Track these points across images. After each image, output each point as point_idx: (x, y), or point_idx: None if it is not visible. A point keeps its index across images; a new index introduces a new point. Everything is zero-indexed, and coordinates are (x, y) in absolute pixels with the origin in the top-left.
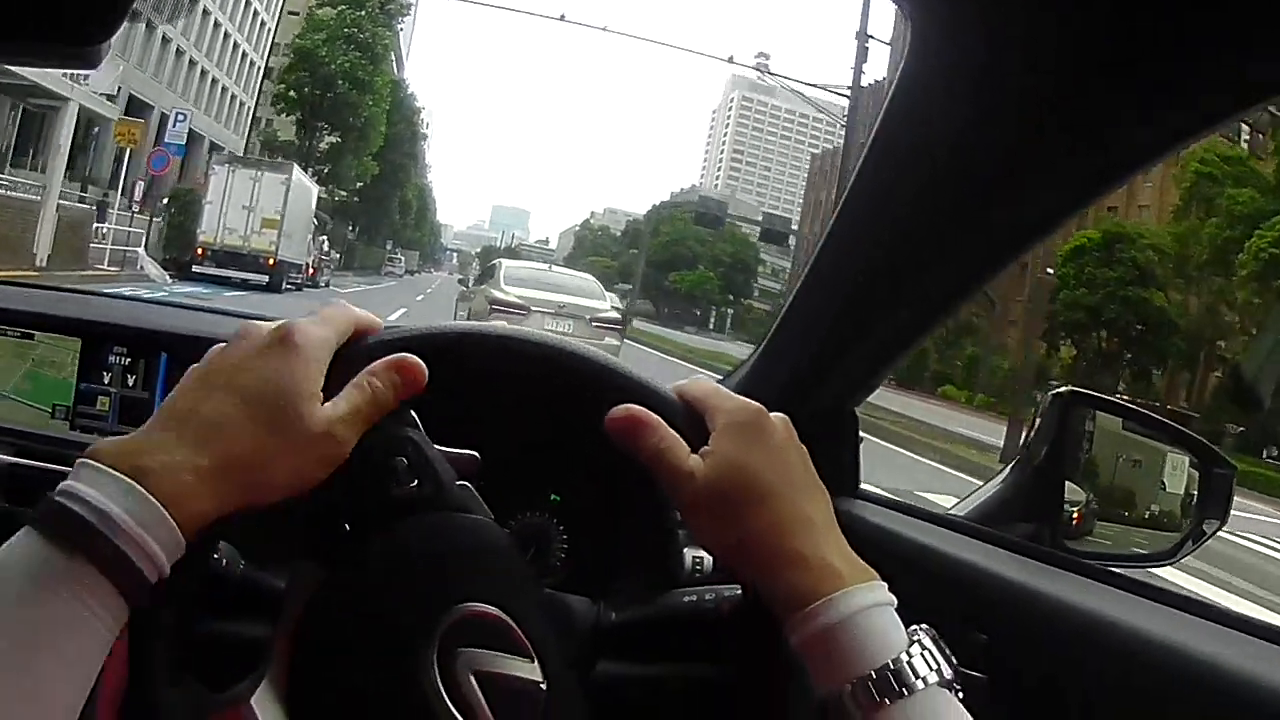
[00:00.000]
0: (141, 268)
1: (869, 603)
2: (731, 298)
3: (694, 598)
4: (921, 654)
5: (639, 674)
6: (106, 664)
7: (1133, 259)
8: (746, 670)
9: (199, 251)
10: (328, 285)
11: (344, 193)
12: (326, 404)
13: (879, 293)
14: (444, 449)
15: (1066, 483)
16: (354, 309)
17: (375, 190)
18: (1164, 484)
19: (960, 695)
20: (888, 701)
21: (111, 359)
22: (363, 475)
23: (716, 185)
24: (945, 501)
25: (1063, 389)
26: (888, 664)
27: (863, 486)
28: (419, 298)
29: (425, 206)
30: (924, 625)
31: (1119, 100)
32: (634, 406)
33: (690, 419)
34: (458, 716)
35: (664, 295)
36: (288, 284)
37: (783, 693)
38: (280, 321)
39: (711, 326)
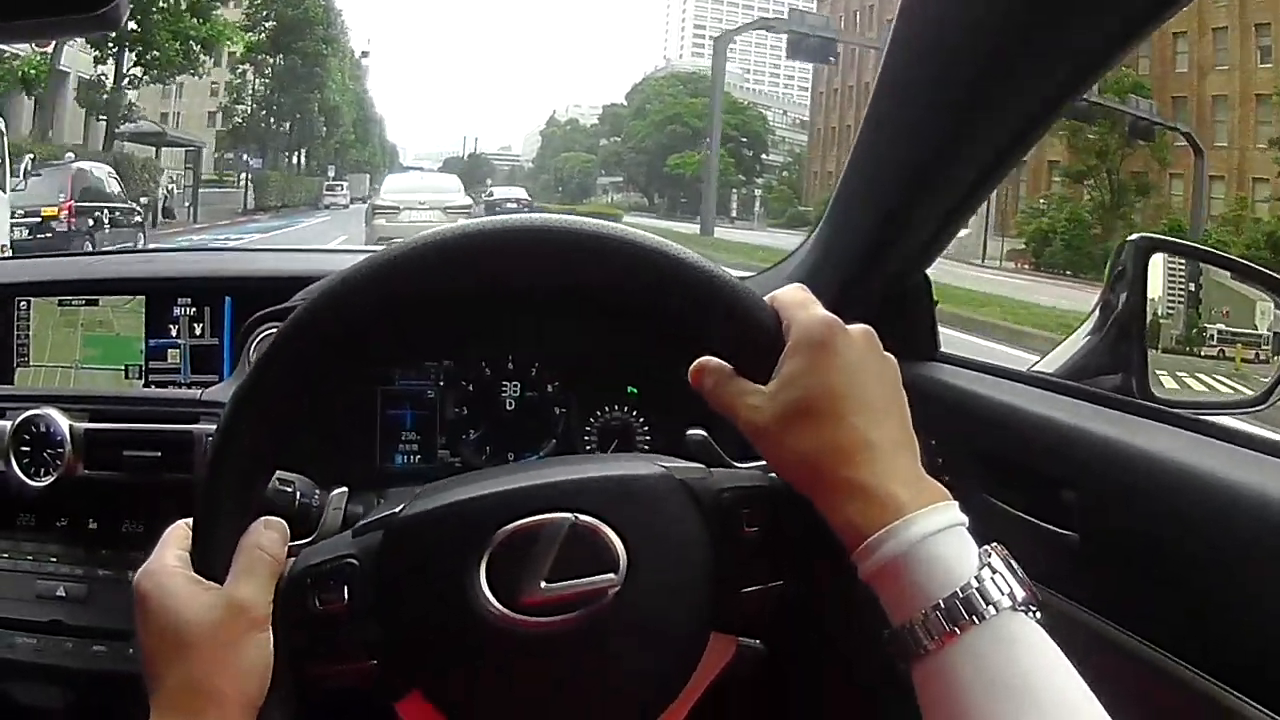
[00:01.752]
0: None
1: (934, 528)
2: (743, 178)
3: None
4: (993, 577)
5: None
6: None
7: None
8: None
9: None
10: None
11: (241, 107)
12: (220, 586)
13: (935, 150)
14: (313, 546)
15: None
16: (182, 526)
17: (287, 97)
18: (1252, 325)
19: (1037, 615)
20: (958, 630)
21: (176, 311)
22: (308, 635)
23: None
24: None
25: (1135, 236)
26: (956, 591)
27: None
28: (337, 241)
29: (367, 117)
30: (995, 545)
31: None
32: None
33: (779, 330)
34: (544, 621)
35: (663, 183)
36: None
37: (835, 584)
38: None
39: (734, 215)
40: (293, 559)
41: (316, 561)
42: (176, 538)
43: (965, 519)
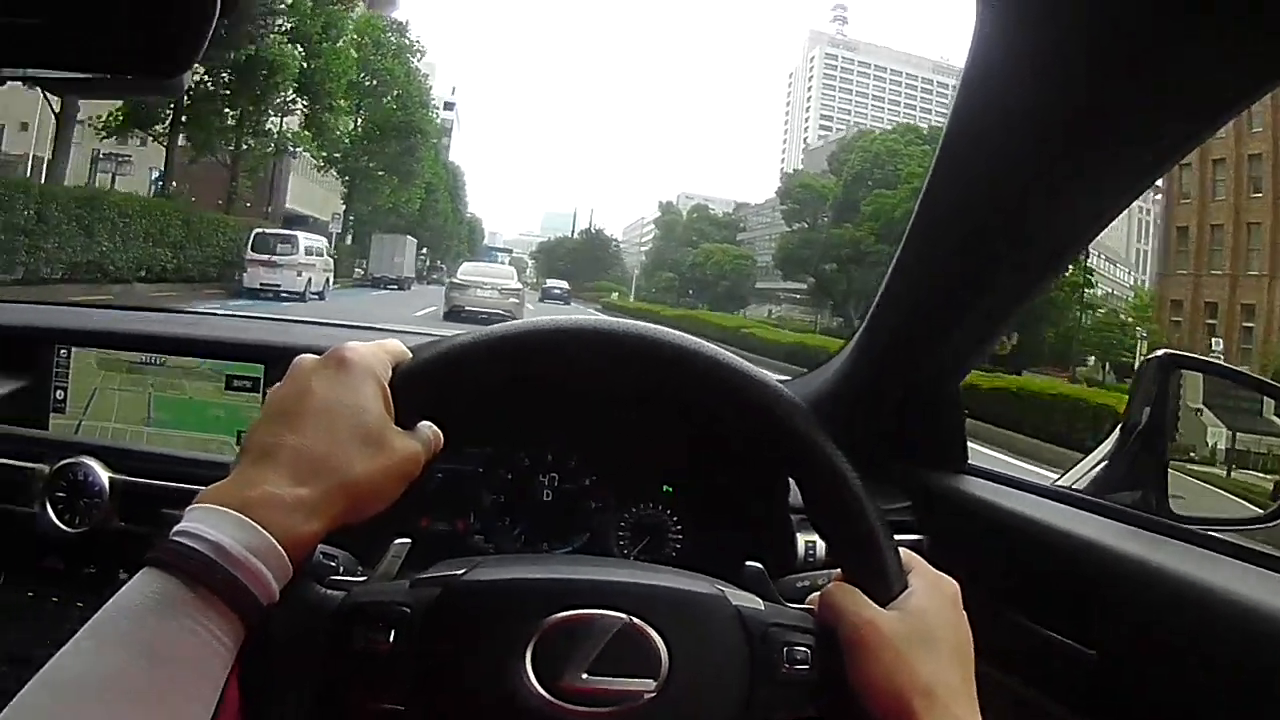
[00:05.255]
0: None
1: None
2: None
3: (806, 583)
4: None
5: None
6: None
7: None
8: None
9: None
10: None
11: None
12: (405, 431)
13: (974, 268)
14: (368, 586)
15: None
16: (400, 344)
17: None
18: (1269, 442)
19: None
20: None
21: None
22: (346, 667)
23: (803, 158)
24: None
25: (1159, 352)
26: None
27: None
28: None
29: (420, 130)
30: None
31: (1193, 57)
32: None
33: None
34: (577, 710)
35: None
36: None
37: None
38: (332, 348)
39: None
40: (345, 593)
41: (369, 600)
42: (394, 352)
43: None
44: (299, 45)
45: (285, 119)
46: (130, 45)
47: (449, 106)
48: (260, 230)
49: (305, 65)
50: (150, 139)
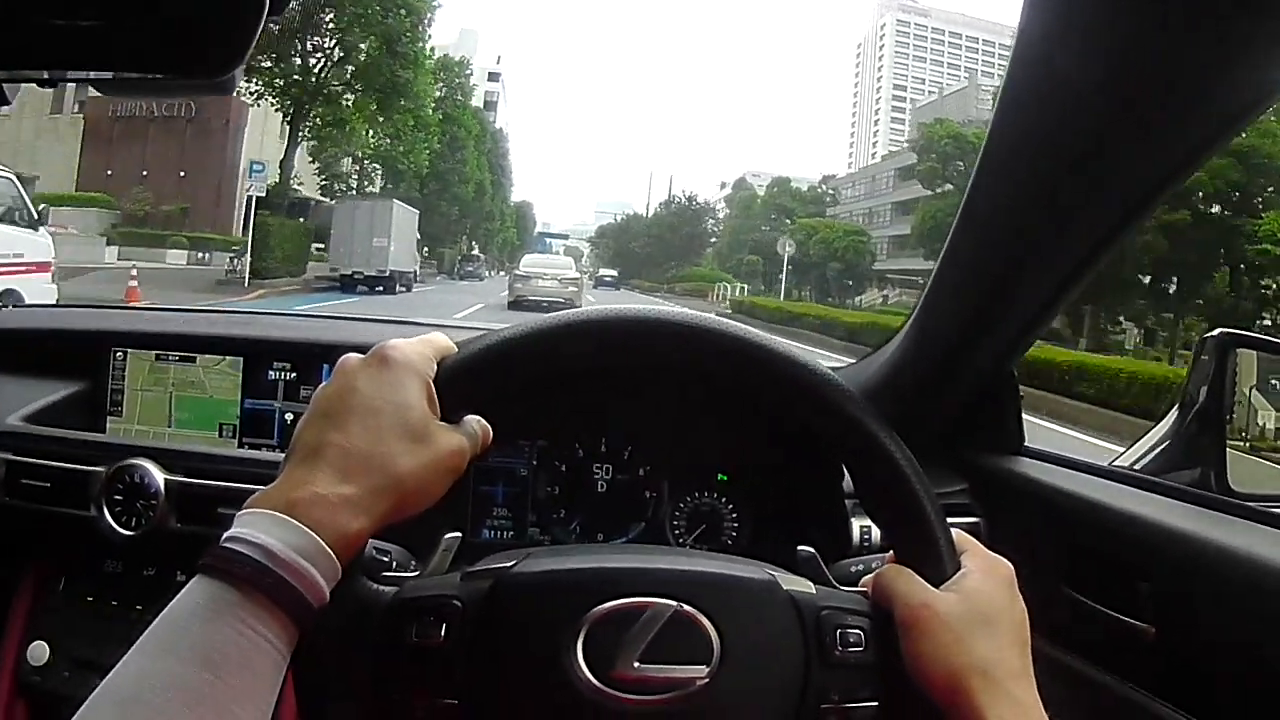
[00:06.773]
0: None
1: None
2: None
3: (860, 567)
4: None
5: None
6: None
7: None
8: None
9: None
10: None
11: None
12: (451, 425)
13: (1027, 249)
14: (419, 581)
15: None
16: (446, 339)
17: None
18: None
19: None
20: None
21: (273, 375)
22: (398, 664)
23: (876, 130)
24: None
25: (1217, 330)
26: None
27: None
28: None
29: (422, 54)
30: None
31: (1248, 30)
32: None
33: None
34: (630, 698)
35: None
36: None
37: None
38: (375, 345)
39: None
40: (397, 588)
41: (420, 595)
42: (438, 347)
43: None
44: None
45: None
46: (181, 47)
47: (494, 77)
48: None
49: None
50: None
